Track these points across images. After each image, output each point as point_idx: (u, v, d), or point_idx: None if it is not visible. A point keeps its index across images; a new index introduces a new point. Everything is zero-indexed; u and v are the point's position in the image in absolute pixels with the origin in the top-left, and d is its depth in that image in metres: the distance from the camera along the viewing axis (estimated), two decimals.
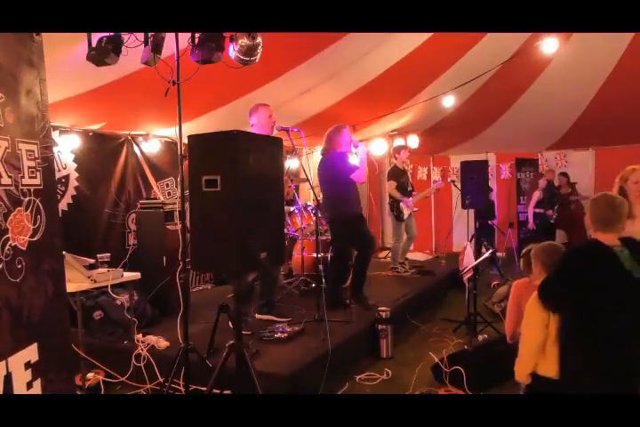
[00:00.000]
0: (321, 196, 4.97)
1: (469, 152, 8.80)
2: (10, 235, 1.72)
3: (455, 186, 6.53)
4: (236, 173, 2.49)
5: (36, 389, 1.80)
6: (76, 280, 3.55)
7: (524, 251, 3.22)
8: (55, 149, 4.82)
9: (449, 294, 6.47)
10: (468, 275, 4.69)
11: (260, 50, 3.29)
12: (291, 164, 6.61)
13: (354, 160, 4.94)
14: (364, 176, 4.79)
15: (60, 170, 4.90)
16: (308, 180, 4.48)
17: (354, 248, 5.03)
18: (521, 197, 8.89)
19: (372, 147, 8.51)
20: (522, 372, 2.49)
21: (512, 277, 6.52)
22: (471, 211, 6.03)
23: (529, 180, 8.92)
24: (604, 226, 2.24)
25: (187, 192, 2.73)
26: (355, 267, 4.98)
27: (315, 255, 5.29)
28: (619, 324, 2.13)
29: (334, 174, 4.73)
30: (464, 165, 6.11)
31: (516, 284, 3.26)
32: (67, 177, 4.97)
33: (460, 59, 5.53)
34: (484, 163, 6.54)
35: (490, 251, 5.27)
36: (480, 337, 4.53)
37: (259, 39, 3.23)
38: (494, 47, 5.17)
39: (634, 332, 2.14)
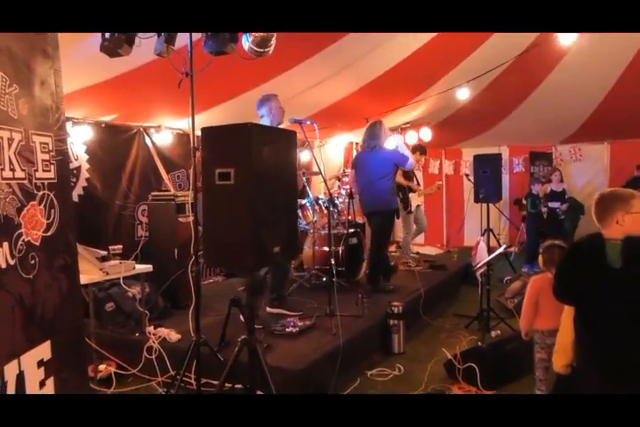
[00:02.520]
0: (357, 189, 5.39)
1: (482, 145, 8.71)
2: (23, 230, 1.68)
3: (469, 180, 6.45)
4: (249, 166, 2.45)
5: (49, 387, 1.77)
6: (89, 272, 3.55)
7: (543, 246, 3.18)
8: (67, 141, 4.80)
9: (461, 290, 6.42)
10: (481, 270, 4.65)
11: (273, 41, 3.24)
12: (303, 156, 6.55)
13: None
14: (412, 163, 5.25)
15: (71, 161, 4.88)
16: (320, 173, 4.46)
17: (380, 238, 5.27)
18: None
19: None
20: (558, 363, 2.48)
21: (525, 273, 6.48)
22: (484, 205, 5.98)
23: (542, 173, 8.82)
24: (603, 220, 2.20)
25: (199, 184, 2.70)
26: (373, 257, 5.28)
27: (326, 249, 5.27)
28: (610, 315, 2.10)
29: (390, 168, 5.11)
30: (477, 158, 6.05)
31: (534, 279, 3.22)
32: (78, 168, 4.96)
33: (475, 51, 5.45)
34: (498, 156, 6.47)
35: (503, 246, 5.21)
36: (493, 333, 4.49)
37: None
38: (509, 39, 5.08)
39: (626, 321, 2.09)
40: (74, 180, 4.91)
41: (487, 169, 5.85)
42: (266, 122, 4.16)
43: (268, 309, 4.41)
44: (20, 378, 1.64)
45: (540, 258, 3.19)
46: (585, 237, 2.22)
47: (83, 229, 4.52)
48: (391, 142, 5.19)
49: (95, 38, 3.12)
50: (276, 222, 2.66)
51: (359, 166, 5.30)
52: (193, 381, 3.15)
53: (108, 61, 3.20)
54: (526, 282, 5.26)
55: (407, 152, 5.15)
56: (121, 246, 4.11)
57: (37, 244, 1.77)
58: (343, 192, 6.00)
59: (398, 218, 5.49)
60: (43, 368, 1.74)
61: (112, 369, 3.61)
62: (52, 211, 1.85)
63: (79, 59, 3.49)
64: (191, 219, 4.22)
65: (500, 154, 7.37)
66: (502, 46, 5.29)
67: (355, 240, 5.72)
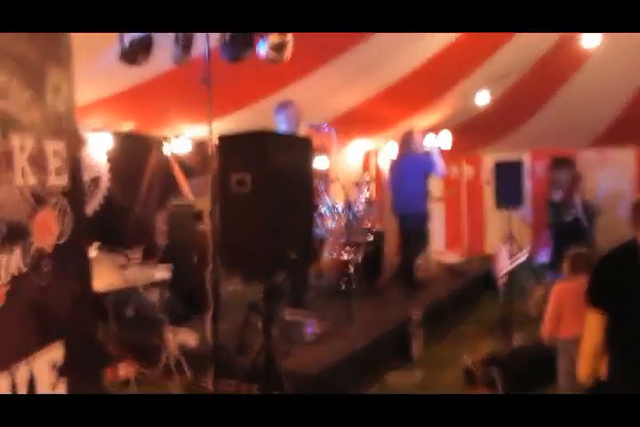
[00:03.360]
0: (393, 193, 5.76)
1: (503, 151, 8.59)
2: (35, 236, 1.69)
3: (489, 186, 6.38)
4: (265, 172, 2.47)
5: (61, 391, 1.78)
6: (109, 279, 3.60)
7: (568, 254, 3.13)
8: (88, 150, 4.89)
9: (482, 296, 6.34)
10: (503, 277, 4.59)
11: (289, 47, 3.27)
12: (320, 162, 6.56)
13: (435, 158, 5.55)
14: (444, 170, 5.57)
15: (92, 170, 4.97)
16: (337, 179, 4.47)
17: (415, 239, 5.61)
18: None
19: None
20: (583, 374, 2.42)
21: (549, 280, 6.37)
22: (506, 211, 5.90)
23: (565, 180, 8.65)
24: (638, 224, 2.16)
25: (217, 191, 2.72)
26: (406, 258, 5.66)
27: (344, 256, 5.25)
28: None
29: (420, 173, 5.40)
30: (498, 164, 5.99)
31: (557, 287, 3.16)
32: (99, 177, 5.04)
33: (495, 53, 5.39)
34: (519, 162, 6.40)
35: (525, 253, 5.13)
36: (515, 341, 4.41)
37: (288, 36, 3.21)
38: (532, 40, 5.00)
39: None
40: (95, 189, 4.98)
41: (508, 175, 5.80)
42: (283, 128, 4.17)
43: (287, 315, 4.40)
44: (32, 381, 1.65)
45: (565, 265, 3.14)
46: (621, 244, 2.18)
47: (103, 237, 4.59)
48: (425, 148, 5.51)
49: (113, 49, 3.17)
50: (293, 229, 2.66)
51: (393, 171, 5.82)
52: (210, 386, 3.17)
53: (126, 72, 3.25)
54: (549, 290, 5.18)
55: (439, 158, 5.45)
56: (141, 254, 4.15)
57: (49, 251, 1.77)
58: (362, 199, 5.97)
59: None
60: (55, 372, 1.75)
61: (131, 373, 3.64)
62: (65, 218, 1.86)
63: (99, 70, 3.55)
64: (209, 226, 4.25)
65: (522, 160, 7.26)
66: (524, 48, 5.22)
67: (373, 247, 5.68)
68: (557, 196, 7.49)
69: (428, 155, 5.53)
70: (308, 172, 2.86)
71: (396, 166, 5.80)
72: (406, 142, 5.63)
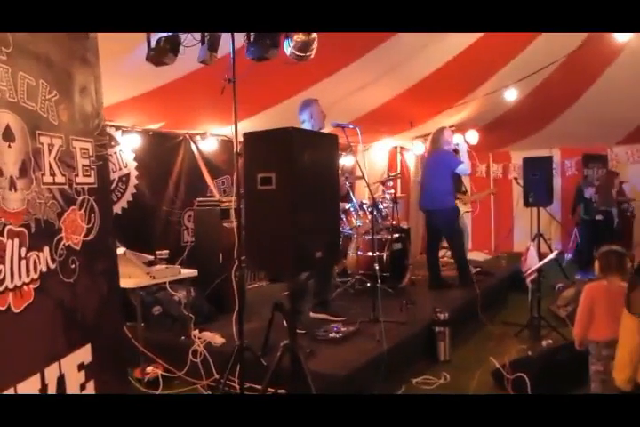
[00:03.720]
0: (420, 189, 5.97)
1: (531, 148, 8.44)
2: (64, 234, 1.72)
3: (518, 183, 6.27)
4: (291, 170, 2.46)
5: (89, 390, 1.79)
6: (136, 276, 3.63)
7: (599, 252, 3.04)
8: (117, 149, 4.96)
9: (510, 296, 6.23)
10: (532, 277, 4.50)
11: (315, 45, 3.25)
12: (346, 161, 6.53)
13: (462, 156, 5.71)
14: (468, 169, 5.61)
15: (121, 169, 5.03)
16: (363, 177, 4.44)
17: (446, 237, 5.79)
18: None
19: (428, 143, 8.34)
20: (620, 379, 2.36)
21: (579, 280, 6.24)
22: (534, 209, 5.79)
23: (597, 177, 8.46)
24: None
25: (242, 190, 2.72)
26: (455, 254, 5.73)
27: (370, 254, 5.22)
28: None
29: (444, 170, 5.47)
30: (527, 161, 5.87)
31: (589, 287, 3.06)
32: (127, 175, 5.10)
33: (524, 50, 5.29)
34: (549, 159, 6.26)
35: (555, 252, 5.03)
36: (544, 342, 4.31)
37: (314, 34, 3.19)
38: (560, 37, 4.90)
39: None
40: (123, 187, 5.05)
41: (537, 172, 5.67)
42: (307, 127, 4.16)
43: (312, 314, 4.39)
44: (61, 381, 1.66)
45: (597, 264, 3.04)
46: None
47: (131, 235, 4.65)
48: (462, 146, 5.68)
49: (141, 49, 3.20)
50: (318, 227, 2.64)
51: (423, 167, 6.07)
52: (237, 385, 3.17)
53: (153, 71, 3.28)
54: (580, 289, 5.05)
55: (465, 157, 5.54)
56: (167, 251, 4.19)
57: (78, 248, 1.80)
58: (387, 197, 5.94)
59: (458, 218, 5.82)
60: (83, 371, 1.77)
61: (159, 372, 3.66)
62: (93, 215, 1.88)
63: (127, 70, 3.59)
64: (235, 224, 4.26)
65: (551, 156, 7.12)
66: (553, 44, 5.11)
67: (399, 245, 5.64)
68: (590, 193, 7.33)
69: (454, 152, 5.64)
70: (333, 169, 2.83)
71: (426, 163, 6.01)
72: (436, 139, 5.72)
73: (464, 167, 5.49)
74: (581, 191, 7.65)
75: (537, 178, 5.66)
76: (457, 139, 5.78)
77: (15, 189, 1.55)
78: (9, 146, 1.55)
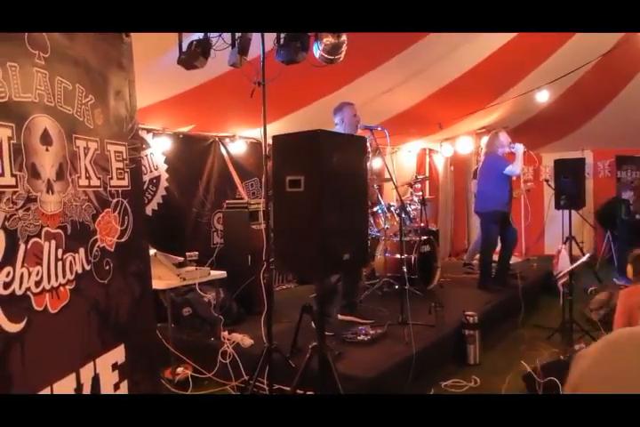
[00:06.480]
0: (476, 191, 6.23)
1: (564, 150, 8.28)
2: (98, 236, 1.75)
3: (549, 185, 6.17)
4: (319, 172, 2.46)
5: (123, 390, 1.82)
6: (167, 278, 3.69)
7: (632, 256, 2.96)
8: (148, 151, 5.04)
9: (541, 300, 6.12)
10: (563, 280, 4.41)
11: (344, 48, 3.24)
12: (374, 163, 6.52)
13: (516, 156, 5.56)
14: (517, 170, 5.49)
15: (151, 171, 5.11)
16: (392, 179, 4.43)
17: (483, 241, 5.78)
18: None
19: (457, 145, 8.26)
20: None
21: (614, 283, 6.10)
22: (566, 212, 5.69)
23: (631, 179, 8.25)
24: None
25: (271, 192, 2.74)
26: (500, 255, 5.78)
27: (398, 256, 5.19)
28: None
29: (492, 173, 5.55)
30: (558, 163, 5.79)
31: (626, 292, 2.99)
32: (158, 178, 5.17)
33: (557, 51, 5.20)
34: (581, 161, 6.15)
35: (587, 255, 4.92)
36: (577, 347, 4.22)
37: (343, 37, 3.19)
38: (594, 37, 4.80)
39: None
40: (153, 189, 5.12)
41: (569, 174, 5.61)
42: (339, 130, 4.16)
43: (340, 316, 4.39)
44: (96, 380, 1.70)
45: (629, 268, 2.97)
46: None
47: (161, 236, 4.71)
48: (518, 148, 5.53)
49: (171, 53, 3.25)
50: (346, 229, 2.64)
51: (478, 172, 6.17)
52: (266, 386, 3.19)
53: (183, 74, 3.32)
54: (613, 293, 4.95)
55: (520, 159, 5.45)
56: (197, 253, 4.24)
57: (112, 250, 1.84)
58: (415, 199, 5.90)
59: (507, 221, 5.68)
60: (117, 371, 1.80)
61: (189, 372, 3.70)
62: (126, 218, 1.92)
63: (158, 73, 3.64)
64: (263, 226, 4.29)
65: (584, 158, 6.99)
66: (586, 45, 5.02)
67: (427, 248, 5.60)
68: (627, 194, 7.16)
69: (503, 155, 5.63)
70: (361, 171, 2.83)
71: (480, 166, 6.13)
72: (491, 143, 5.78)
73: (512, 168, 5.44)
74: (619, 193, 7.48)
75: (568, 180, 5.58)
76: (511, 142, 5.70)
77: (52, 192, 1.59)
78: (46, 149, 1.59)
